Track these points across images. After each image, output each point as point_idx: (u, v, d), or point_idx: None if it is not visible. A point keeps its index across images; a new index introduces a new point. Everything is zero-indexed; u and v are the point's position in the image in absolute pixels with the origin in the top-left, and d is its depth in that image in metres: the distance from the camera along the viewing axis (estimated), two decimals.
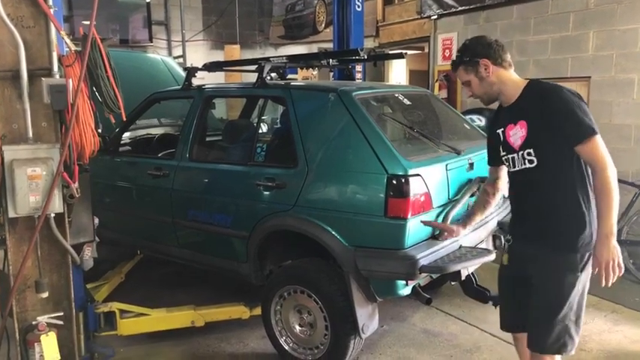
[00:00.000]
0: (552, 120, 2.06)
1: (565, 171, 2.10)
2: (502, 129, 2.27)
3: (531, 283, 2.23)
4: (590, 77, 5.04)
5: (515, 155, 2.22)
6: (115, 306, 3.25)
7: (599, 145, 2.02)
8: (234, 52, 10.01)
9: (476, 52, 2.23)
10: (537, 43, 5.59)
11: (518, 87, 2.21)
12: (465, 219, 2.67)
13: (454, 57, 2.35)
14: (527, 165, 2.17)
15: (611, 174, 2.01)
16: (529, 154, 2.15)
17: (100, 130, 2.70)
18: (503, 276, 2.43)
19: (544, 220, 2.18)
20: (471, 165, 3.25)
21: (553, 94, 2.08)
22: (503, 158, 2.30)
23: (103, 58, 2.63)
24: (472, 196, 3.19)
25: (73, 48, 2.49)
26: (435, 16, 6.86)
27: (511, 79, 2.24)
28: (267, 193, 3.18)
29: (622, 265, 2.04)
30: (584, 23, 5.13)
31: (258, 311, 3.40)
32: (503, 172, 2.44)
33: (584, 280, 2.14)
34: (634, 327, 3.66)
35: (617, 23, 4.84)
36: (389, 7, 8.47)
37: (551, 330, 2.14)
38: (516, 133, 2.19)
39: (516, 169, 2.23)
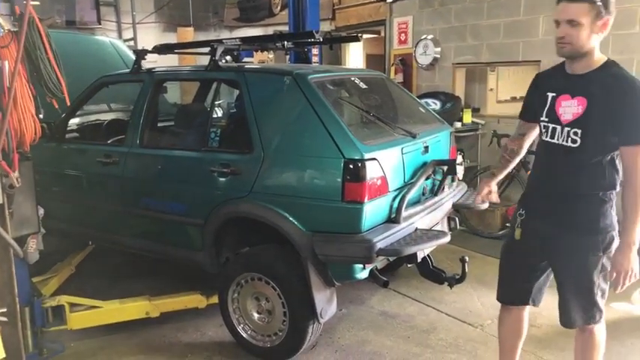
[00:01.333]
0: (619, 113, 1.98)
1: (602, 158, 2.08)
2: (555, 94, 2.15)
3: (548, 262, 2.29)
4: (540, 61, 5.16)
5: (558, 127, 2.14)
6: (64, 299, 3.11)
7: None
8: (188, 34, 9.72)
9: (608, 4, 1.99)
10: (490, 28, 5.67)
11: (597, 61, 2.08)
12: (491, 175, 2.58)
13: None
14: (569, 144, 2.10)
15: None
16: (575, 133, 2.08)
17: (41, 116, 2.56)
18: (512, 250, 2.41)
19: (571, 201, 2.15)
20: (426, 148, 3.28)
21: (633, 88, 1.98)
22: (542, 124, 2.21)
23: (42, 39, 2.49)
24: (427, 178, 3.22)
25: (7, 27, 2.33)
26: (391, 0, 6.85)
27: (597, 50, 2.08)
28: (222, 179, 3.11)
29: (638, 275, 2.06)
30: (534, 8, 5.23)
31: (215, 300, 3.34)
32: (532, 131, 2.38)
33: (606, 259, 2.16)
34: None
35: None
36: None
37: (581, 308, 2.20)
38: (570, 107, 2.09)
39: (553, 141, 2.16)
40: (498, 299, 2.51)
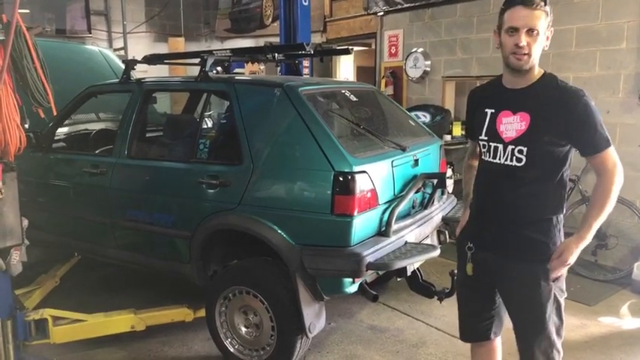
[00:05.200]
0: (575, 124, 1.86)
1: (550, 178, 1.95)
2: (494, 110, 2.00)
3: (502, 297, 2.12)
4: None
5: (500, 146, 1.97)
6: (47, 312, 3.05)
7: (611, 156, 1.89)
8: (179, 44, 9.72)
9: (549, 13, 1.89)
10: (480, 41, 5.73)
11: (536, 74, 1.95)
12: (464, 202, 2.40)
13: None
14: (514, 163, 1.94)
15: (616, 186, 1.88)
16: (520, 151, 1.92)
17: (26, 126, 2.53)
18: (466, 286, 2.23)
19: (519, 227, 1.98)
20: (416, 161, 3.27)
21: (579, 100, 1.86)
22: (481, 143, 2.04)
23: (29, 48, 2.46)
24: (417, 192, 3.21)
25: None
26: (382, 13, 6.89)
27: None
28: (210, 191, 3.08)
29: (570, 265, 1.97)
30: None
31: (202, 313, 3.29)
32: None
33: (557, 292, 2.01)
34: (570, 316, 3.80)
35: (554, 23, 5.03)
36: (336, 2, 8.45)
37: (538, 347, 2.03)
38: (512, 124, 1.94)
39: (496, 161, 1.99)
40: (461, 338, 2.35)
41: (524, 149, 1.92)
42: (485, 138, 2.03)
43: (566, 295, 2.07)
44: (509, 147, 1.95)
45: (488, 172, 2.07)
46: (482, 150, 2.06)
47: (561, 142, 1.90)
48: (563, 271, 2.00)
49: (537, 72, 1.96)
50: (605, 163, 1.90)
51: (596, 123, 1.86)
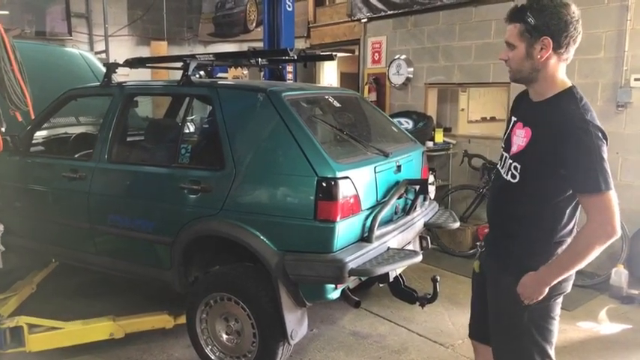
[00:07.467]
0: (566, 157, 1.69)
1: (541, 203, 1.81)
2: (516, 119, 1.93)
3: (488, 302, 2.04)
4: (510, 83, 5.27)
5: (507, 156, 1.91)
6: (23, 320, 2.99)
7: (600, 203, 1.67)
8: (161, 48, 9.65)
9: (548, 24, 1.73)
10: (462, 49, 5.79)
11: (554, 88, 1.80)
12: None
13: (518, 4, 1.81)
14: (509, 178, 1.87)
15: (595, 247, 1.68)
16: (515, 168, 1.84)
17: (3, 129, 2.48)
18: (473, 282, 2.21)
19: (510, 239, 1.92)
20: (399, 167, 3.29)
21: (574, 129, 1.68)
22: (501, 149, 1.99)
23: (7, 50, 2.42)
24: (399, 198, 3.22)
25: None
26: (365, 20, 6.93)
27: (554, 76, 1.80)
28: (192, 196, 3.05)
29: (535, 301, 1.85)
30: (505, 31, 5.37)
31: (182, 320, 3.25)
32: None
33: (534, 313, 1.87)
34: None
35: None
36: (320, 8, 8.50)
37: None
38: (519, 137, 1.86)
39: (501, 170, 1.94)
40: (469, 335, 2.32)
41: (519, 167, 1.83)
42: (503, 146, 1.99)
43: (554, 319, 1.92)
44: (509, 161, 1.89)
45: (495, 179, 2.06)
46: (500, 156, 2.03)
47: (556, 170, 1.73)
48: (539, 297, 1.83)
49: (557, 87, 1.81)
50: (591, 209, 1.70)
51: (587, 160, 1.66)
